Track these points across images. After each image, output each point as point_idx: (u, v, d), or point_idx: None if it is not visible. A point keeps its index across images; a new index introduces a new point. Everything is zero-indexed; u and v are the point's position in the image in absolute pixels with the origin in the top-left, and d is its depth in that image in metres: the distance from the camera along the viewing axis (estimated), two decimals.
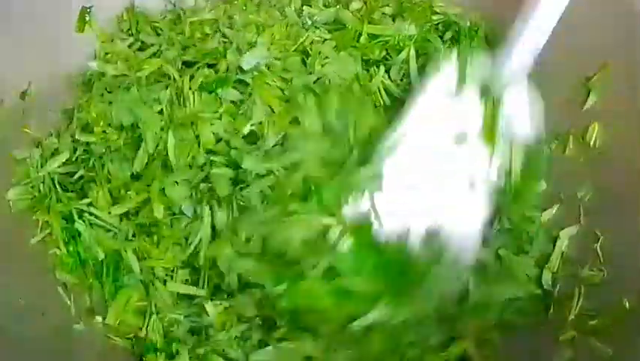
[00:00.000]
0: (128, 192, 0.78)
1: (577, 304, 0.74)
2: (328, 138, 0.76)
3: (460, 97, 0.78)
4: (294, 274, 0.70)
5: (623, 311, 0.70)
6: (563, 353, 0.72)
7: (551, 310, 0.76)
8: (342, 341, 0.71)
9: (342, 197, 0.72)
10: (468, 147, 0.78)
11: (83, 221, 0.78)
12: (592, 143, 0.81)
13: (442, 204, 0.77)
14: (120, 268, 0.78)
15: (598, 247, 0.76)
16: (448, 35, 0.93)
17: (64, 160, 0.82)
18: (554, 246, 0.80)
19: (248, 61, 0.81)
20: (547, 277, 0.78)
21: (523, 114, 0.79)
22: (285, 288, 0.70)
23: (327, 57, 0.85)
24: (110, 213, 0.78)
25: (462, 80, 0.78)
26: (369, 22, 0.90)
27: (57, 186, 0.80)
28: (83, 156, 0.82)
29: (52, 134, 0.84)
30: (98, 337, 0.75)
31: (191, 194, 0.77)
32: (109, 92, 0.83)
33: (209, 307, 0.76)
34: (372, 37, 0.89)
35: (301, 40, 0.86)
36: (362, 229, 0.72)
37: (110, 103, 0.81)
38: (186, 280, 0.78)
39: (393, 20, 0.92)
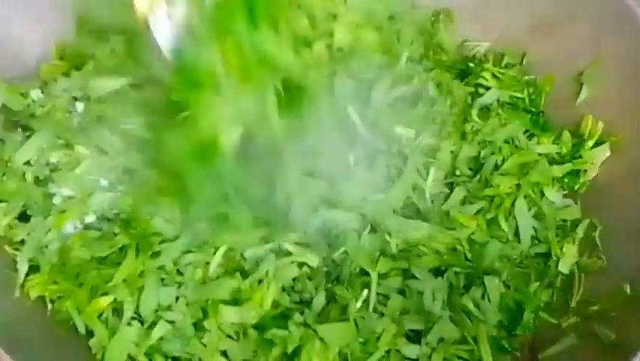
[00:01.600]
0: None
1: (578, 291, 0.75)
2: None
3: None
4: None
5: (624, 296, 0.71)
6: (566, 338, 0.72)
7: (553, 297, 0.77)
8: None
9: None
10: None
11: None
12: (585, 135, 0.83)
13: None
14: None
15: (596, 236, 0.77)
16: None
17: None
18: None
19: None
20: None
21: None
22: None
23: None
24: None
25: None
26: None
27: None
28: None
29: None
30: None
31: None
32: None
33: None
34: None
35: None
36: None
37: None
38: None
39: None
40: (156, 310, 0.69)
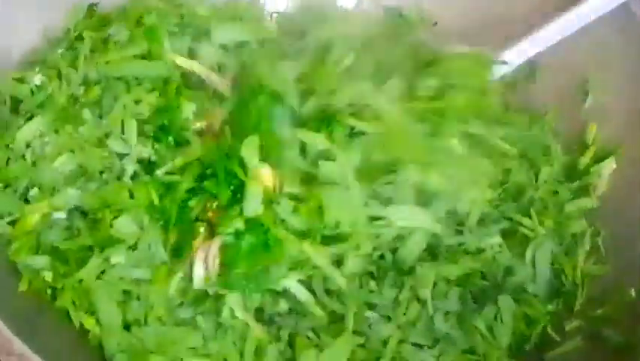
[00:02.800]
0: None
1: (582, 295, 0.75)
2: None
3: None
4: None
5: (628, 300, 0.71)
6: (571, 341, 0.72)
7: (558, 306, 0.76)
8: None
9: None
10: None
11: None
12: (590, 142, 0.83)
13: None
14: None
15: (600, 242, 0.77)
16: None
17: None
18: None
19: None
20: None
21: None
22: None
23: None
24: None
25: None
26: None
27: None
28: None
29: None
30: None
31: None
32: None
33: None
34: None
35: None
36: None
37: None
38: None
39: None
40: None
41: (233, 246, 0.66)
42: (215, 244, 0.66)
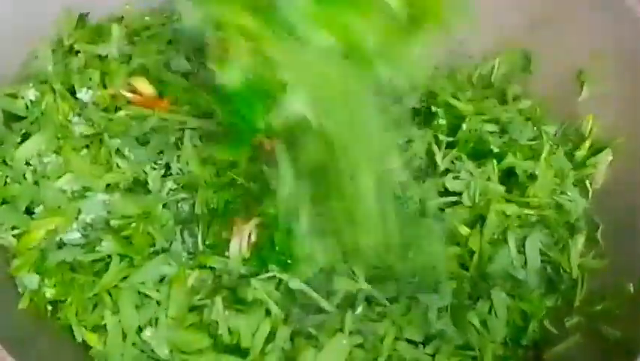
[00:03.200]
0: None
1: (581, 290, 0.75)
2: None
3: None
4: None
5: (627, 295, 0.71)
6: (570, 338, 0.72)
7: (557, 301, 0.76)
8: None
9: None
10: None
11: None
12: (587, 134, 0.83)
13: None
14: None
15: (599, 235, 0.77)
16: None
17: None
18: None
19: None
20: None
21: None
22: None
23: None
24: None
25: None
26: None
27: None
28: None
29: None
30: None
31: None
32: None
33: None
34: None
35: None
36: None
37: None
38: None
39: None
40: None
41: (269, 227, 0.70)
42: (252, 225, 0.71)
